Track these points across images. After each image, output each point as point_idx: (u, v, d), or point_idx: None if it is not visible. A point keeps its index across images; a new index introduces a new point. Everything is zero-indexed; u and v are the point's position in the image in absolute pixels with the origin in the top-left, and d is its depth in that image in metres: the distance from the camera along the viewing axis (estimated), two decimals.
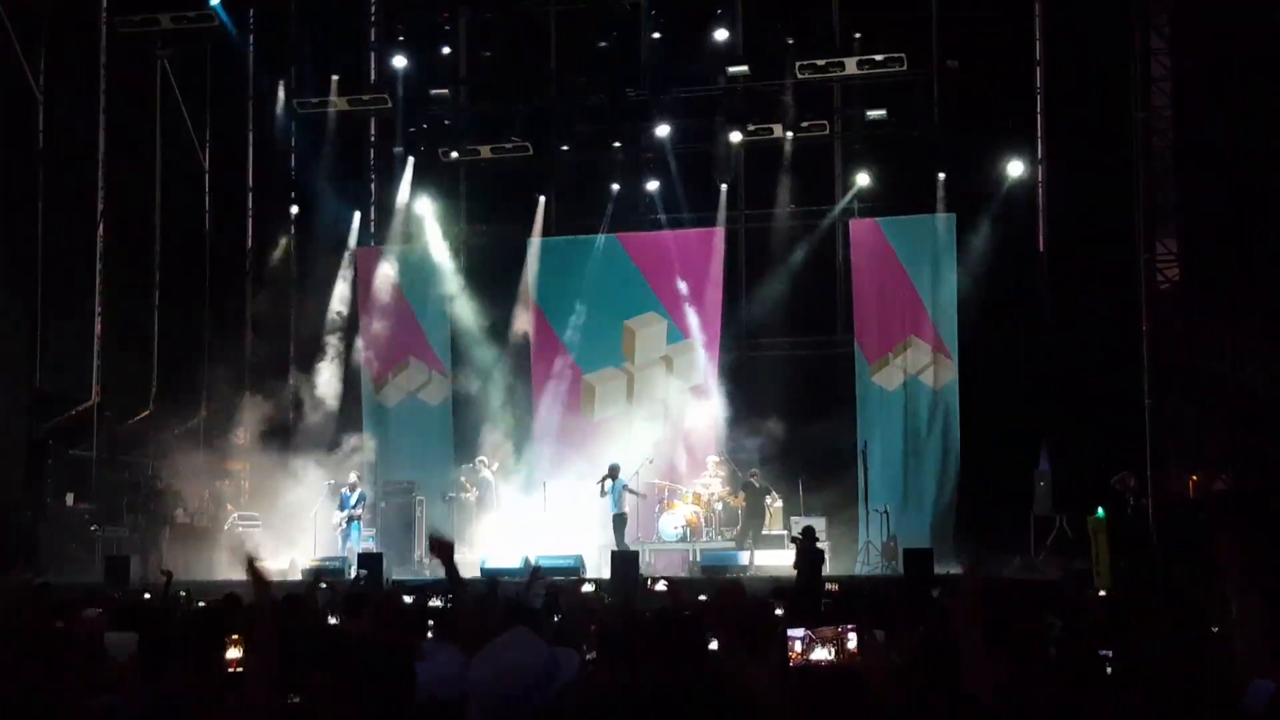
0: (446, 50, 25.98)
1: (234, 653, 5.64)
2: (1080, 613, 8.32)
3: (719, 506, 23.34)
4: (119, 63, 25.01)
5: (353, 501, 22.68)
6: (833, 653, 6.87)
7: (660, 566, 22.27)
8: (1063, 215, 23.49)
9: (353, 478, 23.14)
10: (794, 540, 18.46)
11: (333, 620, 9.37)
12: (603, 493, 22.35)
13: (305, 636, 5.75)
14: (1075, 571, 18.53)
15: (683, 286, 25.07)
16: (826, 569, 18.35)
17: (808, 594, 14.75)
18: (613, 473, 22.40)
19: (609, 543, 21.98)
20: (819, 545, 18.59)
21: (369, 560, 19.98)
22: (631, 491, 22.67)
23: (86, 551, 21.99)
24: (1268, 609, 4.35)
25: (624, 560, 19.69)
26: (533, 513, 23.05)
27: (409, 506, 23.75)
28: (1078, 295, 22.81)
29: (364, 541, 22.62)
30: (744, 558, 21.63)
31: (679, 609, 5.64)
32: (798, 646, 6.93)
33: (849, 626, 6.85)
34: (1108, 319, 22.48)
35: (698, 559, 22.22)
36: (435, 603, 11.26)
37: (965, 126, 23.82)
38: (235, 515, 23.47)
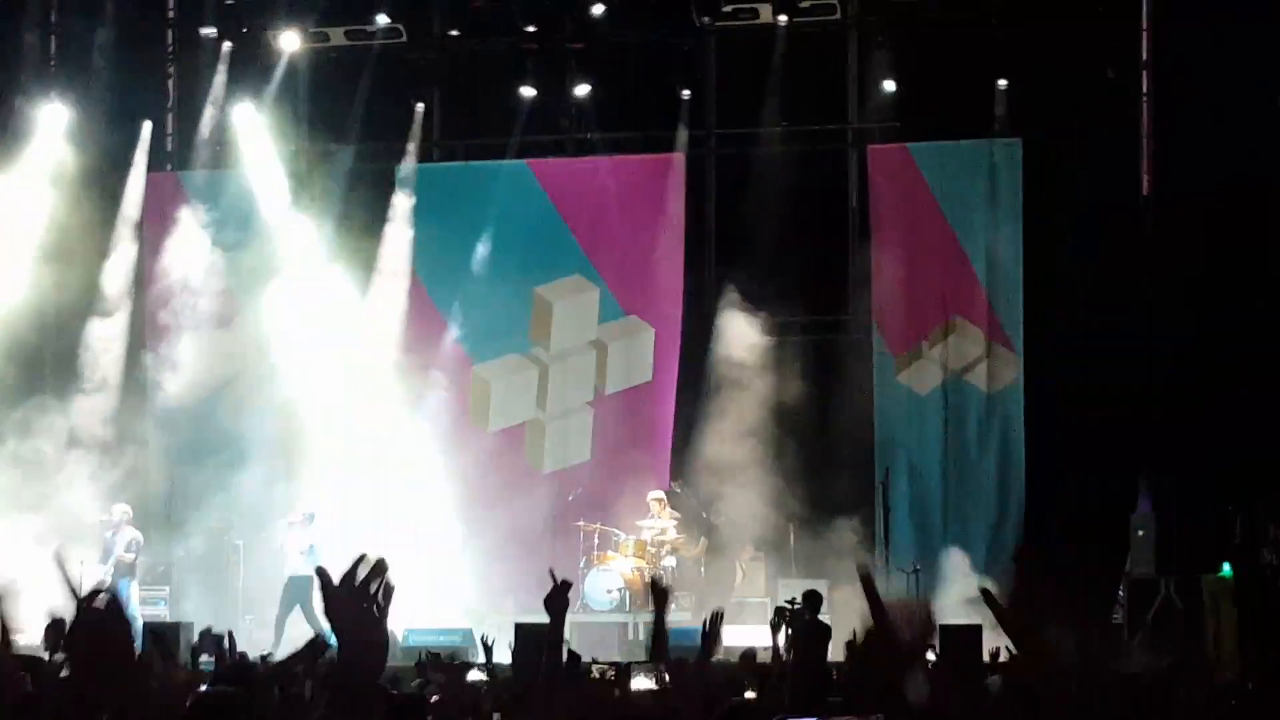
0: None
1: None
2: (1194, 713, 8.47)
3: (670, 561, 23.17)
4: None
5: (120, 548, 22.43)
6: None
7: (587, 645, 21.82)
8: (1180, 144, 23.35)
9: (118, 512, 22.75)
10: (782, 613, 17.53)
11: None
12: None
13: None
14: (1186, 655, 18.49)
15: (624, 239, 25.14)
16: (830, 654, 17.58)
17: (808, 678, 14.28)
18: (304, 521, 22.65)
19: (514, 610, 21.61)
20: (822, 619, 18.42)
21: (161, 633, 19.79)
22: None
23: None
24: None
25: (530, 639, 19.00)
26: (399, 561, 22.50)
27: (219, 555, 23.89)
28: (1199, 261, 22.71)
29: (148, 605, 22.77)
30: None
31: None
32: None
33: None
34: (1243, 296, 22.50)
35: (638, 637, 21.94)
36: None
37: (1038, 9, 23.89)
38: None
